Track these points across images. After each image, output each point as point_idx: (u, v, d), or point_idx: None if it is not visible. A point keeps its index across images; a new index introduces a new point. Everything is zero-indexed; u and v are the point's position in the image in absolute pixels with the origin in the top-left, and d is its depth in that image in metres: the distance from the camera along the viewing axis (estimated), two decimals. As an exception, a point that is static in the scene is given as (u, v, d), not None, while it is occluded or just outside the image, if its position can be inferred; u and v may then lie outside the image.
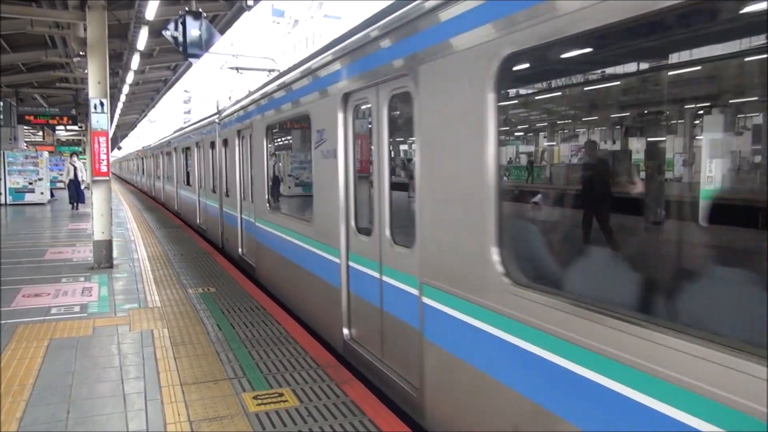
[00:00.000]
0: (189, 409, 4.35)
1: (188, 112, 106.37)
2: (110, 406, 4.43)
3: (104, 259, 10.01)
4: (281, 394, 4.62)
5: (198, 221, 15.79)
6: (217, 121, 12.69)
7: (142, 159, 37.16)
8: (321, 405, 4.43)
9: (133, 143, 67.44)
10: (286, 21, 77.47)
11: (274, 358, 5.47)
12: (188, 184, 17.60)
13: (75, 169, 21.31)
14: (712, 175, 2.55)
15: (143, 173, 36.91)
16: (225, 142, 11.85)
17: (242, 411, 4.31)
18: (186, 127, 19.73)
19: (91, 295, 8.00)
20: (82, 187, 21.44)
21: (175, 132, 22.73)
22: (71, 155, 23.07)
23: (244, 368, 5.19)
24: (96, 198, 10.19)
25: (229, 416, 4.23)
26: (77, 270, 9.81)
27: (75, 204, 21.22)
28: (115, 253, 10.59)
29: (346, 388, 4.73)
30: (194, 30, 9.62)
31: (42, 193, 23.81)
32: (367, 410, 4.33)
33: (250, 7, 11.66)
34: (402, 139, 5.02)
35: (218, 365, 5.27)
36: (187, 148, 17.56)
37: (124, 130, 54.56)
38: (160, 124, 70.08)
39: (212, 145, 13.33)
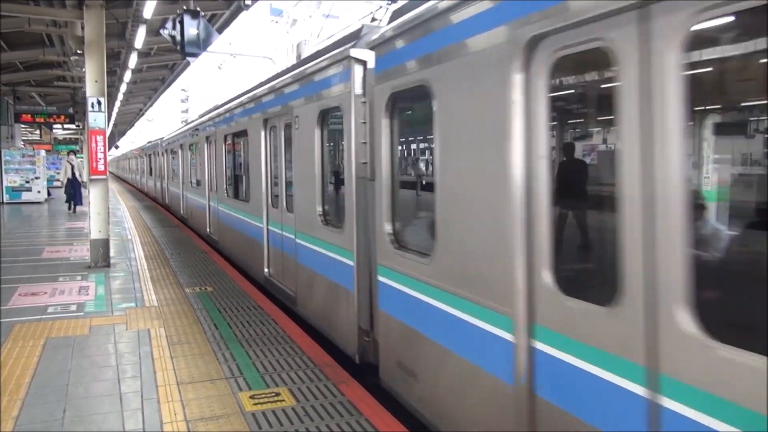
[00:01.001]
0: (186, 408, 4.34)
1: (186, 111, 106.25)
2: (107, 405, 4.42)
3: (101, 258, 10.00)
4: (278, 394, 4.62)
5: (267, 270, 8.36)
6: (351, 57, 5.29)
7: (149, 156, 28.32)
8: (318, 405, 4.42)
9: (130, 142, 67.38)
10: (284, 20, 77.39)
11: (271, 357, 5.46)
12: (236, 197, 10.54)
13: (72, 167, 19.70)
14: None
15: (149, 175, 28.54)
16: (395, 102, 4.58)
17: (239, 410, 4.31)
18: (237, 98, 10.73)
19: (88, 294, 7.98)
20: (83, 187, 19.65)
21: (213, 109, 13.57)
22: (68, 153, 21.79)
23: (240, 367, 5.19)
24: (93, 197, 10.17)
25: (225, 415, 4.22)
26: (74, 269, 9.79)
27: (71, 205, 19.62)
28: (112, 252, 10.57)
29: (343, 388, 4.73)
30: (192, 29, 9.60)
31: (39, 192, 23.80)
32: (365, 410, 4.33)
33: (248, 6, 11.65)
34: None
35: (215, 364, 5.27)
36: (238, 134, 10.21)
37: (121, 128, 54.48)
38: (158, 123, 70.05)
39: (323, 118, 6.18)
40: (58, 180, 33.01)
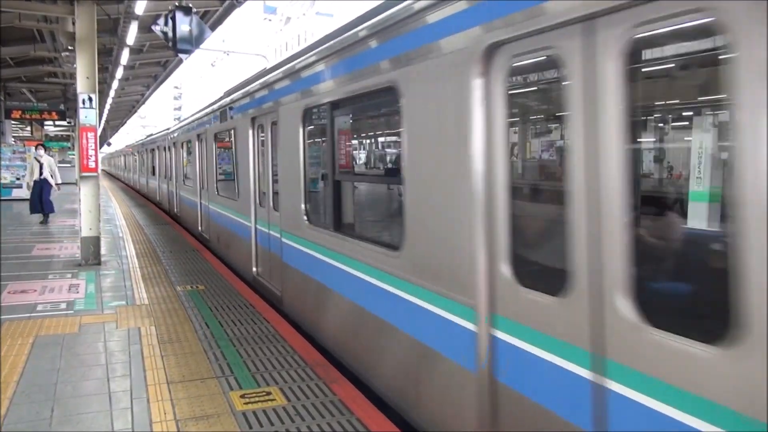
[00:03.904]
0: (175, 407, 4.32)
1: (179, 108, 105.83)
2: (96, 404, 4.38)
3: (92, 256, 9.93)
4: (269, 393, 4.60)
5: None
6: None
7: (163, 149, 19.99)
8: (309, 404, 4.40)
9: (123, 139, 67.06)
10: (278, 18, 77.24)
11: (262, 356, 5.44)
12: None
13: (41, 166, 15.73)
14: None
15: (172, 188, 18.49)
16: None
17: (229, 410, 4.29)
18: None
19: (78, 292, 7.92)
20: (53, 192, 16.06)
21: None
22: (36, 147, 17.13)
23: (231, 366, 5.16)
24: (84, 194, 10.10)
25: (216, 415, 4.20)
26: (64, 266, 9.73)
27: (40, 213, 15.79)
28: (103, 250, 10.51)
29: (334, 387, 4.72)
30: (184, 25, 9.54)
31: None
32: (356, 409, 4.31)
33: (240, 3, 11.59)
34: None
35: (206, 363, 5.24)
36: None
37: (113, 126, 54.17)
38: (151, 120, 69.72)
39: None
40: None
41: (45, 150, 16.59)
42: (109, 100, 27.31)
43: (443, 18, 3.49)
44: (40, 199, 15.60)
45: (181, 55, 11.88)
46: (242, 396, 4.53)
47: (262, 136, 8.02)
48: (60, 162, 36.53)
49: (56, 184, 16.01)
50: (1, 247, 11.47)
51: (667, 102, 3.43)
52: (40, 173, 15.62)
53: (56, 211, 16.58)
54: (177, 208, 17.27)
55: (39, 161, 15.84)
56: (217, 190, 11.16)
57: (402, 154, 4.03)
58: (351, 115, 5.88)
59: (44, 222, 15.51)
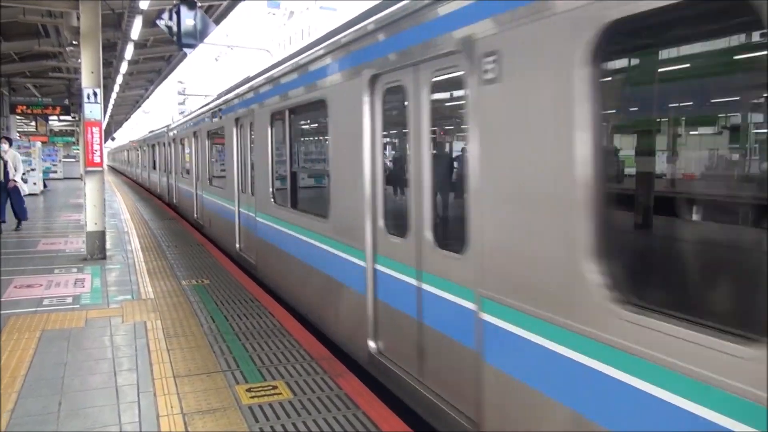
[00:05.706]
0: (182, 401, 4.33)
1: (182, 103, 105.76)
2: (102, 398, 4.40)
3: (97, 250, 9.96)
4: (275, 387, 4.61)
5: None
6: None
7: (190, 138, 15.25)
8: (315, 398, 4.41)
9: (126, 134, 67.17)
10: (281, 12, 77.05)
11: (267, 350, 5.45)
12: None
13: (5, 164, 13.13)
14: None
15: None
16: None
17: (235, 403, 4.30)
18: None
19: (83, 287, 7.95)
20: (24, 192, 13.89)
21: None
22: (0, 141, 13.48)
23: (237, 360, 5.17)
24: (89, 189, 10.13)
25: (222, 409, 4.21)
26: (70, 261, 9.76)
27: (14, 221, 13.41)
28: (108, 244, 10.54)
29: (339, 381, 4.72)
30: (189, 20, 9.55)
31: (35, 184, 23.70)
32: (361, 403, 4.32)
33: (245, -3, 11.55)
34: None
35: (212, 357, 5.25)
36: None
37: (118, 120, 54.24)
38: (155, 115, 69.78)
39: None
40: (53, 172, 33.00)
41: (10, 144, 13.69)
42: (114, 95, 27.34)
43: None
44: (12, 206, 13.34)
45: (185, 50, 11.89)
46: (248, 390, 4.54)
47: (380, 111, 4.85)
48: (65, 156, 36.72)
49: (13, 179, 13.30)
50: (7, 242, 11.52)
51: None
52: (5, 174, 13.08)
53: (58, 206, 16.45)
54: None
55: (2, 158, 13.14)
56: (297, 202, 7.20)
57: None
58: None
59: (16, 229, 13.29)
